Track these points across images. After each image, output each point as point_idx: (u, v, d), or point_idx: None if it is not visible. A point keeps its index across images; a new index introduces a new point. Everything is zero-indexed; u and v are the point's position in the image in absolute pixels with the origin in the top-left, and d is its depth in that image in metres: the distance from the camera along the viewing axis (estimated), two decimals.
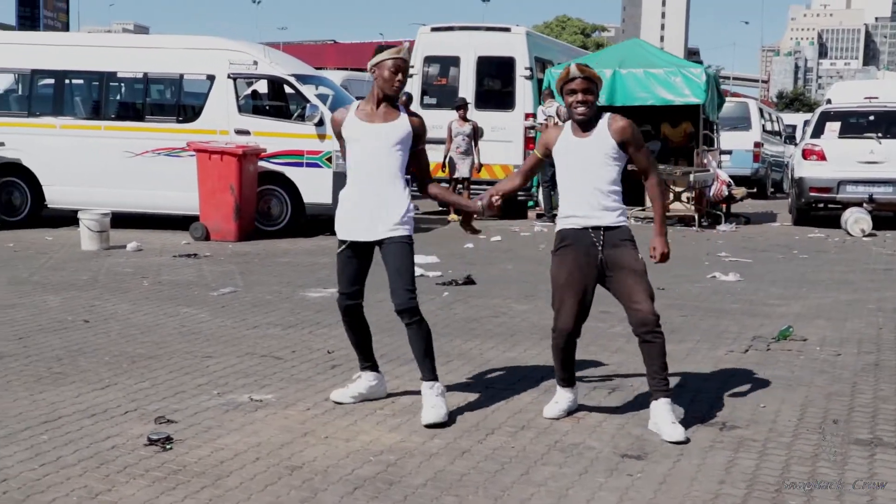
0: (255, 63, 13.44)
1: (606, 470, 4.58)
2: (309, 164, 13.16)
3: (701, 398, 5.77)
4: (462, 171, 15.88)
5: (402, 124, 5.36)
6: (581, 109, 5.12)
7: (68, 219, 13.34)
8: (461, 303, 8.80)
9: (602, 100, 15.79)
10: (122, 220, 13.36)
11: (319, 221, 13.37)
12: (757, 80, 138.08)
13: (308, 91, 13.50)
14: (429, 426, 5.17)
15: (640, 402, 5.62)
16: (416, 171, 5.58)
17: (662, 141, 17.87)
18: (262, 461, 4.59)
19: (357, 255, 5.44)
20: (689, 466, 4.63)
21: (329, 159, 13.09)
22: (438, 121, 16.25)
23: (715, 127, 18.17)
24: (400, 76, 5.30)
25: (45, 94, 14.25)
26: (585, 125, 5.18)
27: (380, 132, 5.34)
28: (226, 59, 13.42)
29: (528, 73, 16.60)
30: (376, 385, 5.66)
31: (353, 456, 4.69)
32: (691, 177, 15.40)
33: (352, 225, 5.40)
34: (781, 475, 4.53)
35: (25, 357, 6.47)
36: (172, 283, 9.57)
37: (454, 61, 17.16)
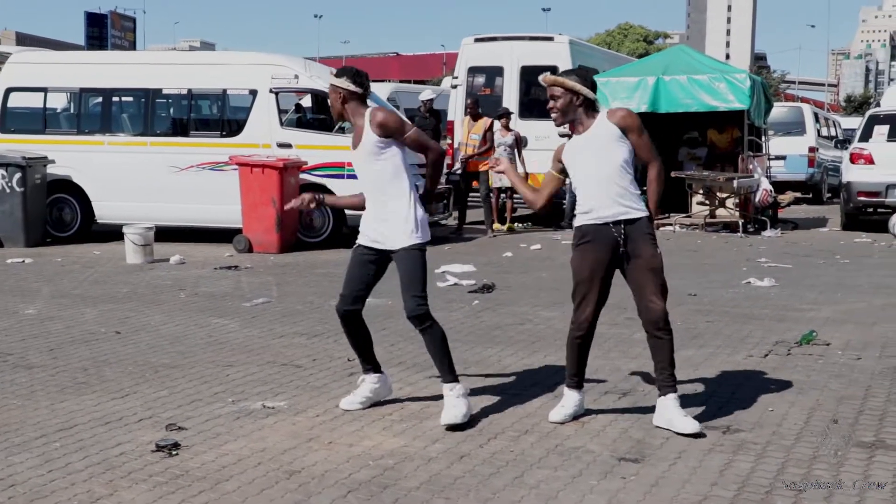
0: (297, 77, 13.63)
1: (601, 473, 4.61)
2: (350, 176, 13.18)
3: (711, 402, 5.77)
4: (505, 181, 15.87)
5: (367, 136, 5.47)
6: (553, 115, 5.37)
7: (117, 234, 13.62)
8: (489, 311, 8.86)
9: (645, 107, 15.82)
10: (169, 234, 13.65)
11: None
12: (824, 84, 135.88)
13: None
14: (449, 427, 5.28)
15: (648, 407, 5.64)
16: (416, 151, 5.68)
17: (709, 147, 17.76)
18: (263, 466, 4.70)
19: (371, 260, 5.57)
20: (684, 469, 4.65)
21: None
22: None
23: (763, 132, 18.01)
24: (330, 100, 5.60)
25: (94, 112, 14.60)
26: (575, 126, 5.33)
27: (357, 154, 5.57)
28: (268, 73, 13.64)
29: None
30: (380, 386, 5.76)
31: (353, 460, 4.78)
32: (735, 182, 15.28)
33: (368, 234, 5.59)
34: (775, 477, 4.53)
35: (53, 368, 6.68)
36: (208, 294, 9.76)
37: (498, 71, 17.22)
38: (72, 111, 14.83)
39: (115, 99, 14.51)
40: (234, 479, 4.52)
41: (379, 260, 5.57)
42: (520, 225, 16.40)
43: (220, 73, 13.96)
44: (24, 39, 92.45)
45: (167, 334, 7.79)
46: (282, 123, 13.59)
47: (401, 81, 41.49)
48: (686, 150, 18.05)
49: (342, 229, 13.55)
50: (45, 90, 14.40)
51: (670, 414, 5.24)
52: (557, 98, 5.30)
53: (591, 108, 5.34)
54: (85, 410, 5.63)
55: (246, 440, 5.09)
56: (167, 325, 8.17)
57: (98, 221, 14.21)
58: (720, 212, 16.03)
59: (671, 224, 15.82)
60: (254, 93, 13.62)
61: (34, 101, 14.65)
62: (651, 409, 5.54)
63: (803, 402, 5.76)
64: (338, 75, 5.49)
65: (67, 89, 14.62)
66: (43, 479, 4.51)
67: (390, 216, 5.48)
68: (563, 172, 5.46)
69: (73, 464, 4.71)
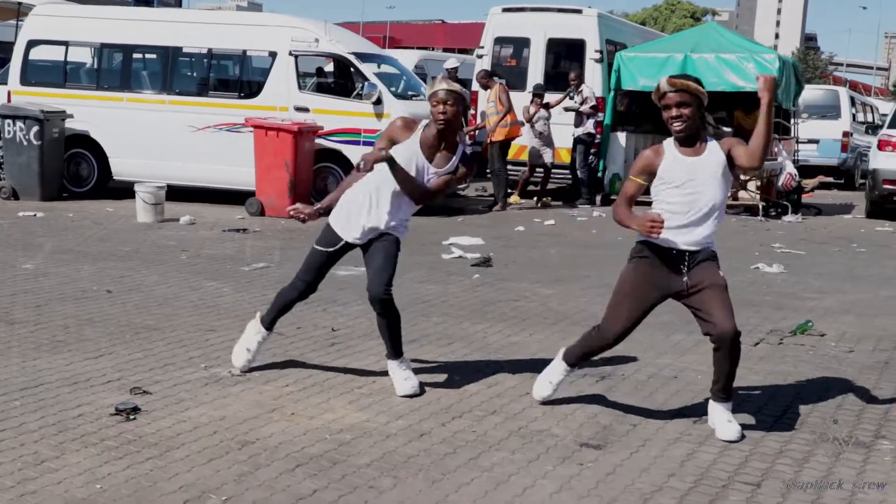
0: (317, 40, 13.53)
1: (559, 458, 4.52)
2: (366, 143, 13.15)
3: (687, 390, 5.66)
4: (546, 158, 15.52)
5: (452, 162, 5.37)
6: (677, 125, 4.75)
7: (133, 191, 13.63)
8: (488, 286, 8.75)
9: None
10: (184, 194, 13.65)
11: None
12: (873, 68, 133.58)
13: (368, 69, 13.54)
14: (406, 397, 5.33)
15: (623, 392, 5.56)
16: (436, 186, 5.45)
17: (735, 128, 17.46)
18: (218, 435, 4.65)
19: (335, 255, 5.53)
20: (644, 458, 4.55)
21: None
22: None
23: (793, 115, 17.70)
24: (441, 108, 5.24)
25: (114, 68, 14.60)
26: (688, 141, 4.81)
27: (429, 167, 5.36)
28: (288, 36, 13.54)
29: (598, 55, 16.36)
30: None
31: (311, 434, 4.72)
32: None
33: (356, 231, 5.43)
34: (735, 471, 4.41)
35: (35, 325, 6.66)
36: (210, 256, 9.73)
37: (525, 42, 16.99)
38: (91, 66, 14.79)
39: (136, 56, 14.47)
40: (186, 447, 4.47)
41: (341, 252, 5.55)
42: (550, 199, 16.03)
43: (241, 34, 13.88)
44: None
45: (158, 295, 7.76)
46: (300, 87, 13.51)
47: (444, 50, 41.24)
48: (711, 129, 17.78)
49: None
50: (66, 44, 14.40)
51: (715, 417, 4.97)
52: (685, 105, 4.71)
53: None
54: (55, 369, 5.60)
55: (208, 407, 5.04)
56: (160, 286, 8.14)
57: (115, 178, 14.22)
58: (742, 194, 15.78)
59: None
60: (273, 55, 13.53)
61: (55, 54, 14.66)
62: (624, 393, 5.50)
63: (783, 394, 5.63)
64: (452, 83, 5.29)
65: (88, 44, 14.58)
66: None
67: (390, 217, 5.39)
68: (649, 181, 4.88)
69: (28, 424, 4.68)
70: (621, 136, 16.33)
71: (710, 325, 4.82)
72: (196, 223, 12.02)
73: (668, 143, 4.90)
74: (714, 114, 17.66)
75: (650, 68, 15.75)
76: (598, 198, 15.88)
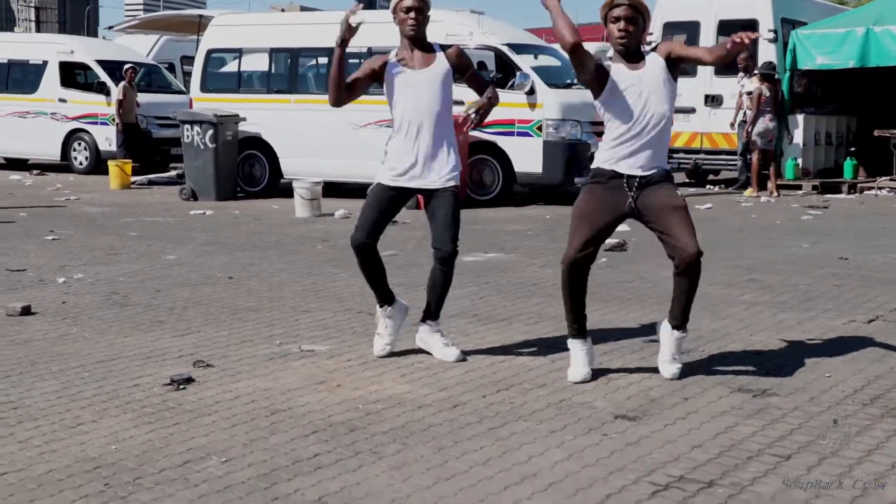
0: (471, 33, 13.61)
1: (585, 429, 4.33)
2: (520, 133, 13.17)
3: (768, 364, 5.32)
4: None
5: (440, 66, 5.50)
6: (622, 40, 4.91)
7: None
8: (612, 269, 8.54)
9: (853, 62, 14.74)
10: (348, 190, 14.01)
11: (532, 192, 13.41)
12: None
13: (522, 60, 13.49)
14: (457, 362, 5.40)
15: (693, 367, 5.28)
16: (475, 90, 5.75)
17: None
18: (255, 404, 4.71)
19: (394, 196, 5.58)
20: (677, 430, 4.30)
21: (539, 128, 13.09)
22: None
23: None
24: (413, 14, 5.34)
25: (282, 72, 15.15)
26: (630, 56, 4.96)
27: (420, 79, 5.47)
28: (444, 30, 13.63)
29: (771, 35, 15.65)
30: (396, 311, 5.73)
31: (345, 403, 4.72)
32: None
33: (400, 172, 5.52)
34: (771, 444, 4.10)
35: (146, 306, 6.99)
36: (345, 246, 9.83)
37: (695, 26, 16.47)
38: (262, 71, 15.42)
39: (302, 59, 15.00)
40: (217, 414, 4.57)
41: (401, 197, 5.59)
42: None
43: (397, 31, 14.09)
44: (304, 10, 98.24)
45: (275, 282, 7.98)
46: (455, 79, 13.55)
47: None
48: None
49: (512, 187, 13.45)
50: (240, 51, 15.11)
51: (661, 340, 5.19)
52: (632, 21, 4.89)
53: None
54: (139, 346, 5.84)
55: (260, 380, 5.13)
56: (282, 273, 8.38)
57: (284, 177, 14.77)
58: None
59: (873, 187, 14.67)
60: None
61: (231, 61, 15.41)
62: (692, 370, 5.20)
63: (872, 370, 5.19)
64: None
65: (260, 50, 15.22)
66: (45, 404, 4.70)
67: (437, 154, 5.48)
68: (593, 68, 4.91)
69: (83, 392, 4.91)
70: (799, 119, 15.55)
71: (672, 247, 4.97)
72: (350, 216, 12.29)
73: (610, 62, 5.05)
74: None
75: (828, 45, 14.96)
76: (773, 183, 15.13)
